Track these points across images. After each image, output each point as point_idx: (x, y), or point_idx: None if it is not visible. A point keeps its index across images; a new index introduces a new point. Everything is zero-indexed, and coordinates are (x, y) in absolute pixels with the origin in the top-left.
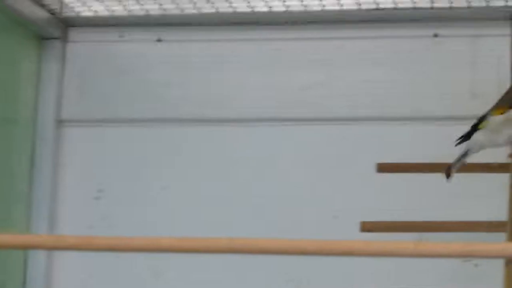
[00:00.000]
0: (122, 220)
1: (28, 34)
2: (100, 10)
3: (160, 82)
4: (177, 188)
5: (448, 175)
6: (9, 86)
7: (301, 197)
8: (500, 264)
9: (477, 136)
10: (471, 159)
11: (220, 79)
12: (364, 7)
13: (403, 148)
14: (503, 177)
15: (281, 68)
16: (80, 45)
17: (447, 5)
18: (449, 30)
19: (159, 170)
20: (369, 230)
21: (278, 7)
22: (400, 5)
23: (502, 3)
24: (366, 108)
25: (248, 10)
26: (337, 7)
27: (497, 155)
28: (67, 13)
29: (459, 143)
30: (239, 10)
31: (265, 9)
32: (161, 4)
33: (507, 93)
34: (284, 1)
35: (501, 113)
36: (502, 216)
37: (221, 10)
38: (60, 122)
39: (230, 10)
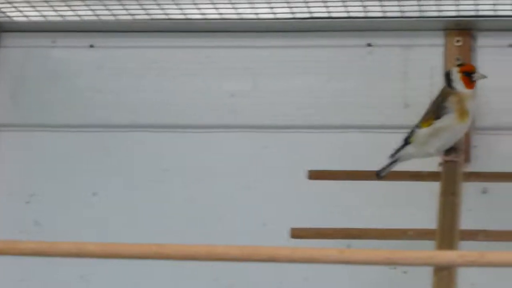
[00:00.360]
0: (53, 225)
1: None
2: (33, 15)
3: (92, 88)
4: (108, 193)
5: (378, 178)
6: None
7: (230, 204)
8: (429, 271)
9: (407, 150)
10: (402, 167)
11: (152, 86)
12: (297, 16)
13: (335, 157)
14: (433, 185)
15: (213, 76)
16: (13, 50)
17: (380, 14)
18: (383, 39)
19: (91, 176)
20: (298, 237)
21: (212, 14)
22: (333, 15)
23: (435, 14)
24: (298, 117)
25: (182, 17)
26: (270, 16)
27: (427, 164)
28: (0, 18)
29: (392, 155)
30: (172, 17)
31: (198, 16)
32: (94, 10)
33: (433, 104)
34: (218, 9)
35: (428, 125)
36: (432, 224)
37: (154, 16)
38: None
39: (164, 16)
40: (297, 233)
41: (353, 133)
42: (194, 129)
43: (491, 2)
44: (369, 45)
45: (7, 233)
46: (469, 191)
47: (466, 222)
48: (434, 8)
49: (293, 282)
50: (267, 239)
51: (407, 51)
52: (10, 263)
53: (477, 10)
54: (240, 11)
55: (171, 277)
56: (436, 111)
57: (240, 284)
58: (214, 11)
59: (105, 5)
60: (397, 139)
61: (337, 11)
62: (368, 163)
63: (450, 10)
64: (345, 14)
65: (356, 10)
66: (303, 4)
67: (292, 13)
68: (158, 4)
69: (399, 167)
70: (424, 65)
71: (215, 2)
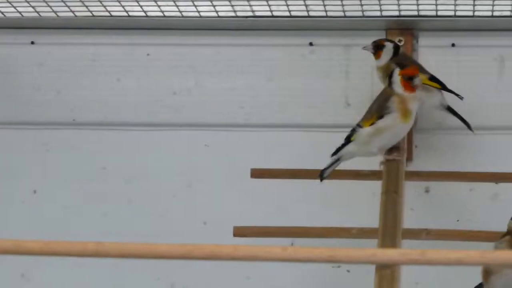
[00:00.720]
0: None
1: None
2: None
3: (32, 85)
4: (47, 191)
5: (321, 180)
6: None
7: (172, 203)
8: (372, 269)
9: (349, 148)
10: (344, 166)
11: (92, 83)
12: (240, 14)
13: (277, 155)
14: (375, 184)
15: (154, 73)
16: None
17: (322, 14)
18: (324, 39)
19: (30, 173)
20: (241, 235)
21: (154, 12)
22: (276, 13)
23: (377, 13)
24: (240, 115)
25: (124, 14)
26: (213, 14)
27: (369, 163)
28: None
29: (334, 154)
30: (114, 14)
31: (140, 14)
32: (35, 7)
33: (374, 102)
34: (160, 7)
35: (371, 124)
36: (374, 223)
37: (96, 14)
38: None
39: (105, 14)
40: (240, 232)
41: (295, 132)
42: (135, 127)
43: (433, 2)
44: (311, 44)
45: None
46: (411, 190)
47: (409, 221)
48: (376, 8)
49: (236, 281)
50: (209, 238)
51: (348, 50)
52: None
53: (419, 10)
54: (182, 9)
55: (112, 277)
56: (379, 110)
57: (182, 283)
58: (156, 8)
59: (46, 1)
60: (339, 138)
61: (280, 10)
62: (310, 161)
63: (392, 10)
64: (287, 13)
65: (298, 10)
66: (246, 3)
67: (235, 11)
68: (100, 1)
69: (341, 166)
70: (365, 65)
71: None
